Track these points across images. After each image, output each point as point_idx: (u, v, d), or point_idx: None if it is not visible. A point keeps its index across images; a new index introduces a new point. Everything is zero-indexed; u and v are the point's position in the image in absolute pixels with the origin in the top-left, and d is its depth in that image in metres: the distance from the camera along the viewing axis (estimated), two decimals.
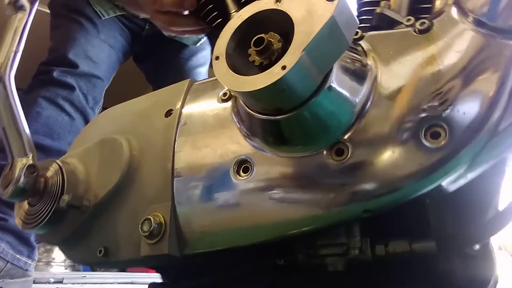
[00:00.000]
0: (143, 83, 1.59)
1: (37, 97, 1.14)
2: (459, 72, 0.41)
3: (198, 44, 1.42)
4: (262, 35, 0.42)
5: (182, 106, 0.59)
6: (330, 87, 0.42)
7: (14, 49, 0.56)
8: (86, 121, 1.22)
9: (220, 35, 0.45)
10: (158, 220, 0.51)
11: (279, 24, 0.43)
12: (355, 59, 0.45)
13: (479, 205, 0.47)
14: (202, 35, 1.50)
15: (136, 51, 1.45)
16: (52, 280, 1.42)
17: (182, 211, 0.52)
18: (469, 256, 0.46)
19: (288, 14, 0.41)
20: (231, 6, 0.80)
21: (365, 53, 0.47)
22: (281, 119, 0.43)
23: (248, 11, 0.44)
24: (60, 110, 1.16)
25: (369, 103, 0.44)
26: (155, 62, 1.45)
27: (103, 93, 1.31)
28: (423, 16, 0.57)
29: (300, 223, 0.46)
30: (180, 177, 0.53)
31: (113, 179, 0.57)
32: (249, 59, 0.43)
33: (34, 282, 1.03)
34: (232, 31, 0.44)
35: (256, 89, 0.39)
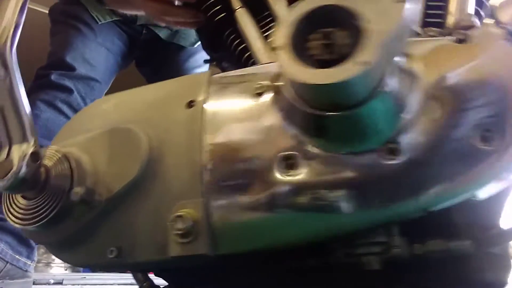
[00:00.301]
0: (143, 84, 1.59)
1: (36, 100, 1.17)
2: (502, 81, 0.45)
3: (195, 46, 1.46)
4: (329, 29, 0.42)
5: (206, 98, 0.56)
6: (387, 89, 0.43)
7: (15, 21, 0.48)
8: None
9: (279, 26, 0.44)
10: (191, 217, 0.48)
11: (338, 19, 0.43)
12: (404, 60, 0.47)
13: (497, 210, 0.52)
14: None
15: (136, 56, 1.49)
16: (52, 281, 1.41)
17: (216, 208, 0.49)
18: (492, 253, 0.50)
19: (355, 11, 0.41)
20: (236, 2, 0.79)
21: (409, 56, 0.49)
22: (338, 115, 0.43)
23: (309, 3, 0.44)
24: (58, 113, 1.19)
25: (420, 105, 0.46)
26: (155, 66, 1.48)
27: (102, 96, 1.32)
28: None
29: (351, 222, 0.46)
30: (211, 172, 0.50)
31: (131, 172, 0.52)
32: (310, 52, 0.43)
33: (34, 283, 1.03)
34: (293, 21, 0.43)
35: (330, 82, 0.39)
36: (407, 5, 0.40)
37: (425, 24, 0.64)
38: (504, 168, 0.43)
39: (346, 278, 0.53)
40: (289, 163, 0.48)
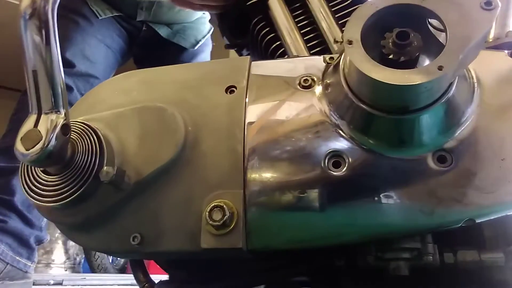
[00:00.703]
0: None
1: None
2: None
3: (196, 47, 1.43)
4: (407, 29, 0.40)
5: (248, 85, 0.53)
6: (452, 95, 0.42)
7: None
8: None
9: (351, 19, 0.42)
10: (230, 208, 0.45)
11: (414, 20, 0.42)
12: (464, 72, 0.47)
13: None
14: (202, 37, 1.48)
15: (135, 53, 1.45)
16: (52, 282, 1.38)
17: (255, 201, 0.47)
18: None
19: (436, 14, 0.40)
20: None
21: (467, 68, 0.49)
22: (400, 118, 0.42)
23: (385, 1, 0.42)
24: None
25: (474, 115, 0.45)
26: (155, 64, 1.40)
27: None
28: None
29: (394, 226, 0.45)
30: (255, 164, 0.48)
31: (164, 156, 0.49)
32: (383, 50, 0.41)
33: (34, 284, 0.99)
34: (366, 17, 0.41)
35: (412, 84, 0.37)
36: (497, 12, 0.39)
37: None
38: None
39: (372, 282, 0.52)
40: (336, 161, 0.46)
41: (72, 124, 0.48)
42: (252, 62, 0.57)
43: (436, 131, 0.44)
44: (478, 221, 0.44)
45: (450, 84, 0.42)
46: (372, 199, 0.45)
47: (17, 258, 0.95)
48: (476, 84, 0.47)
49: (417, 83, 0.37)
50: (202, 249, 0.45)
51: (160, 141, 0.50)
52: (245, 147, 0.48)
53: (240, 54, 0.89)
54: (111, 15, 1.32)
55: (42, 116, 0.43)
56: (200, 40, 1.46)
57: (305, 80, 0.52)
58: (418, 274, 0.49)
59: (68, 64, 1.18)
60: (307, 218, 0.46)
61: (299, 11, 0.75)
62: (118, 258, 2.47)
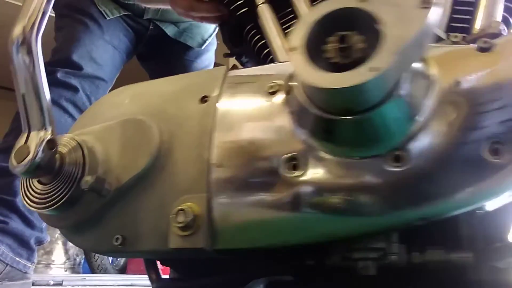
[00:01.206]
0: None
1: None
2: None
3: (203, 47, 1.41)
4: (346, 32, 0.41)
5: (220, 94, 0.56)
6: (401, 94, 0.42)
7: (42, 7, 0.50)
8: None
9: (296, 26, 0.43)
10: (192, 211, 0.48)
11: (357, 22, 0.42)
12: (421, 66, 0.46)
13: (507, 224, 0.50)
14: (208, 36, 1.48)
15: (140, 51, 1.44)
16: (52, 282, 1.40)
17: (219, 204, 0.49)
18: (495, 267, 0.49)
19: (375, 15, 0.40)
20: None
21: (427, 63, 0.48)
22: (349, 120, 0.42)
23: (329, 6, 0.43)
24: (63, 112, 1.16)
25: (432, 113, 0.44)
26: (160, 62, 1.44)
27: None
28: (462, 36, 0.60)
29: (351, 227, 0.45)
30: (218, 168, 0.50)
31: (140, 164, 0.53)
32: (326, 55, 0.42)
33: (33, 285, 1.02)
34: (310, 23, 0.43)
35: (342, 87, 0.38)
36: (432, 11, 0.38)
37: (450, 29, 0.62)
38: (510, 181, 0.41)
39: (342, 281, 0.52)
40: (294, 164, 0.47)
41: (64, 139, 0.54)
42: (229, 71, 0.60)
43: (390, 130, 0.44)
44: (431, 220, 0.43)
45: (398, 83, 0.42)
46: (328, 200, 0.45)
47: (17, 259, 0.96)
48: (435, 80, 0.46)
49: (346, 86, 0.37)
50: (171, 249, 0.49)
51: (138, 150, 0.54)
52: (210, 153, 0.51)
53: (240, 62, 0.93)
54: (119, 15, 1.31)
55: (31, 133, 0.50)
56: (207, 39, 1.44)
57: (272, 87, 0.53)
58: (387, 273, 0.49)
59: (75, 67, 1.20)
60: (267, 219, 0.48)
61: (287, 17, 0.76)
62: (118, 259, 2.48)
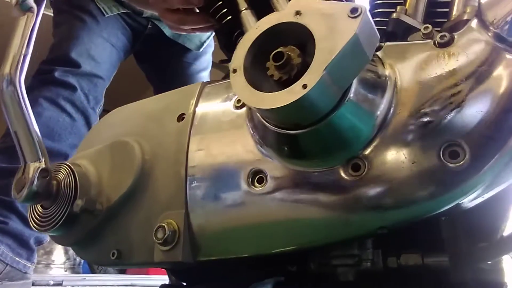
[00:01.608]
0: (143, 83, 1.56)
1: (38, 97, 1.12)
2: (479, 90, 0.41)
3: (201, 50, 1.39)
4: (281, 49, 0.41)
5: (194, 111, 0.58)
6: (350, 102, 0.42)
7: (23, 51, 0.55)
8: (87, 121, 1.21)
9: (237, 47, 0.44)
10: (172, 227, 0.52)
11: (298, 36, 0.42)
12: (373, 71, 0.45)
13: (491, 224, 0.48)
14: (206, 38, 1.44)
15: (138, 50, 1.43)
16: (52, 283, 1.40)
17: (196, 219, 0.52)
18: (481, 268, 0.47)
19: (308, 29, 0.40)
20: (242, 4, 0.78)
21: (382, 64, 0.46)
22: (299, 133, 0.43)
23: (267, 22, 0.43)
24: (61, 111, 1.13)
25: (389, 116, 0.43)
26: (157, 63, 1.43)
27: (104, 92, 1.29)
28: (440, 21, 0.56)
29: (314, 237, 0.46)
30: (193, 185, 0.53)
31: (125, 183, 0.58)
32: (268, 72, 0.43)
33: (33, 285, 1.02)
34: (250, 43, 0.43)
35: (276, 107, 0.38)
36: (362, 20, 0.37)
37: (430, 15, 0.58)
38: (471, 185, 0.39)
39: (324, 286, 0.53)
40: (258, 178, 0.49)
41: (59, 166, 0.60)
42: (206, 86, 0.62)
43: (346, 139, 0.44)
44: (392, 228, 0.42)
45: (346, 92, 0.41)
46: (291, 212, 0.46)
47: (17, 259, 0.94)
48: (390, 82, 0.44)
49: (281, 105, 0.38)
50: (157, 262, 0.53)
51: (123, 171, 0.59)
52: (187, 170, 0.54)
53: None
54: (117, 12, 1.29)
55: (27, 165, 0.56)
56: (204, 42, 1.42)
57: (239, 101, 0.55)
58: (365, 279, 0.49)
59: (73, 64, 1.17)
60: (240, 231, 0.50)
61: None
62: None
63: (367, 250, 0.48)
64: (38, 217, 0.59)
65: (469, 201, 0.41)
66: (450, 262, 0.44)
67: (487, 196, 0.41)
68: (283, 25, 0.42)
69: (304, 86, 0.38)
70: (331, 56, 0.37)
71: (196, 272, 0.64)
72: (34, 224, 0.59)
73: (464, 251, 0.46)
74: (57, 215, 0.57)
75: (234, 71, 0.43)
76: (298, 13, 0.41)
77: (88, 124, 1.20)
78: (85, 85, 1.18)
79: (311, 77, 0.38)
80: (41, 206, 0.60)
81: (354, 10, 0.38)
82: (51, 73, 1.15)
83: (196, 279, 0.64)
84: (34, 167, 0.55)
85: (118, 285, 1.59)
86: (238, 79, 0.42)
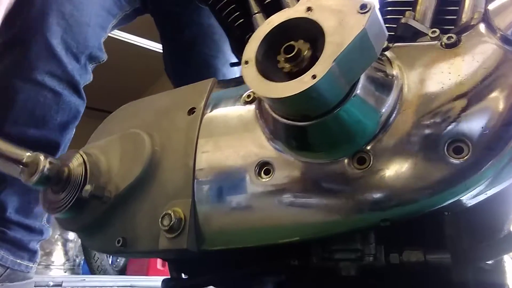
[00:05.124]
0: (146, 81, 1.54)
1: (5, 78, 0.86)
2: (485, 89, 0.42)
3: None
4: (292, 42, 0.43)
5: (205, 106, 0.60)
6: (357, 96, 0.43)
7: None
8: (76, 89, 0.92)
9: (249, 40, 0.46)
10: (178, 215, 0.53)
11: (309, 31, 0.44)
12: (381, 70, 0.46)
13: (494, 223, 0.48)
14: None
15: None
16: (52, 283, 1.41)
17: (202, 209, 0.53)
18: (482, 268, 0.47)
19: (318, 24, 0.42)
20: (254, 7, 0.81)
21: (390, 63, 0.48)
22: (307, 125, 0.44)
23: (279, 18, 0.45)
24: (39, 87, 0.85)
25: (394, 113, 0.45)
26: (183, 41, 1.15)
27: (101, 45, 0.97)
28: (448, 28, 0.58)
29: (317, 228, 0.47)
30: (201, 175, 0.55)
31: (134, 173, 0.59)
32: (278, 65, 0.44)
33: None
34: (262, 37, 0.45)
35: (286, 96, 0.40)
36: (371, 15, 0.39)
37: (438, 21, 0.60)
38: (474, 181, 0.40)
39: (326, 281, 0.54)
40: (266, 169, 0.50)
41: (71, 154, 0.62)
42: (217, 83, 0.64)
43: (352, 132, 0.45)
44: (395, 221, 0.43)
45: (353, 86, 0.43)
46: (294, 203, 0.47)
47: (18, 261, 0.88)
48: (397, 79, 0.46)
49: (290, 94, 0.39)
50: (160, 250, 0.54)
51: (133, 160, 0.60)
52: (195, 162, 0.56)
53: None
54: None
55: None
56: None
57: (249, 96, 0.57)
58: (367, 274, 0.49)
59: (39, 14, 0.85)
60: (246, 221, 0.51)
61: None
62: (118, 260, 2.45)
63: (370, 244, 0.48)
64: (50, 201, 0.61)
65: (472, 196, 0.42)
66: (452, 259, 0.45)
67: (490, 193, 0.42)
68: (294, 21, 0.44)
69: (314, 77, 0.39)
70: (340, 48, 0.39)
71: (197, 265, 0.65)
72: (46, 208, 0.61)
73: (465, 249, 0.47)
74: (67, 200, 0.58)
75: (246, 62, 0.44)
76: (309, 9, 0.43)
77: (78, 92, 0.93)
78: (63, 37, 0.86)
79: (321, 68, 0.39)
80: (52, 190, 0.61)
81: (363, 6, 0.39)
82: (14, 40, 0.87)
83: (197, 272, 0.65)
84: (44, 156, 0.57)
85: (117, 286, 1.59)
86: (250, 70, 0.44)
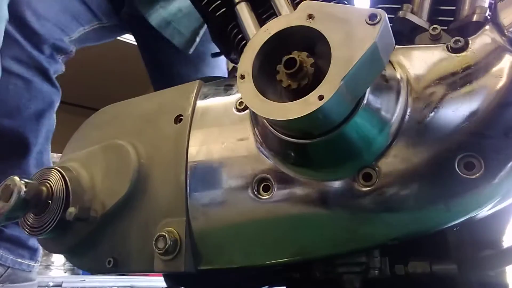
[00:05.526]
0: (142, 84, 1.47)
1: None
2: (495, 99, 0.40)
3: (191, 51, 1.07)
4: (293, 55, 0.39)
5: (192, 112, 0.56)
6: (363, 110, 0.40)
7: None
8: (47, 76, 0.90)
9: (244, 50, 0.42)
10: (173, 236, 0.50)
11: (309, 40, 0.40)
12: (386, 75, 0.43)
13: (497, 233, 0.48)
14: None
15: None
16: (52, 284, 1.40)
17: (198, 227, 0.50)
18: (486, 276, 0.47)
19: (323, 35, 0.38)
20: None
21: (393, 67, 0.45)
22: (310, 143, 0.41)
23: (277, 25, 0.41)
24: (7, 75, 0.82)
25: (404, 123, 0.42)
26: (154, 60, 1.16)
27: (65, 40, 0.93)
28: (447, 20, 0.55)
29: (321, 248, 0.45)
30: (194, 191, 0.51)
31: (121, 189, 0.55)
32: (277, 77, 0.40)
33: None
34: (259, 46, 0.41)
35: (291, 118, 0.36)
36: (381, 27, 0.35)
37: (435, 12, 0.57)
38: (486, 197, 0.38)
39: None
40: (263, 186, 0.47)
41: (48, 171, 0.57)
42: (203, 85, 0.59)
43: (358, 148, 0.42)
44: (404, 240, 0.41)
45: (359, 101, 0.40)
46: (296, 221, 0.45)
47: (19, 260, 0.86)
48: (403, 88, 0.43)
49: (295, 117, 0.36)
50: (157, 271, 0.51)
51: (119, 176, 0.56)
52: (187, 176, 0.52)
53: (229, 59, 0.91)
54: None
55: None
56: (193, 44, 1.09)
57: (240, 103, 0.52)
58: (372, 286, 0.49)
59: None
60: (245, 240, 0.49)
61: (267, 14, 0.73)
62: None
63: (375, 258, 0.47)
64: (31, 223, 0.56)
65: (483, 211, 0.40)
66: (458, 270, 0.44)
67: (499, 206, 0.41)
68: (294, 29, 0.40)
69: (320, 98, 0.36)
70: (349, 66, 0.35)
71: (194, 277, 0.63)
72: (27, 230, 0.56)
73: (469, 259, 0.46)
74: (48, 221, 0.54)
75: (242, 77, 0.40)
76: (310, 16, 0.39)
77: (49, 80, 0.90)
78: (27, 24, 0.83)
79: (328, 87, 0.36)
80: (33, 213, 0.56)
81: (373, 17, 0.36)
82: None
83: (194, 284, 0.63)
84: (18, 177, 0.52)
85: (117, 287, 1.56)
86: (247, 87, 0.40)
